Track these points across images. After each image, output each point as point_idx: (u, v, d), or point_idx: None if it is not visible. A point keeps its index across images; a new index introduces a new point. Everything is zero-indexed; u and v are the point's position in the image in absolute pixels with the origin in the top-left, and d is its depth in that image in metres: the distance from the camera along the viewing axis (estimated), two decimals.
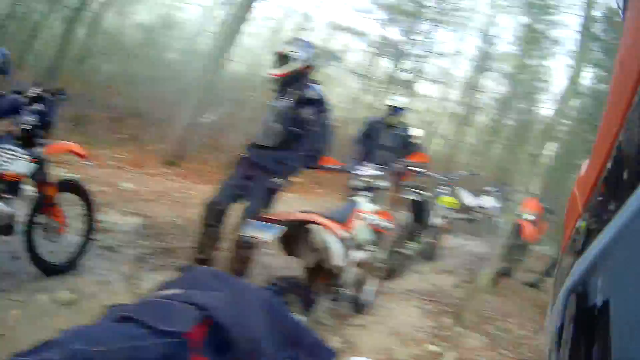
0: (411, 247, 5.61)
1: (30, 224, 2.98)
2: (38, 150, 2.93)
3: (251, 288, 0.65)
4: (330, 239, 2.89)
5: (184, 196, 6.06)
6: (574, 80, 5.36)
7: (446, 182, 6.33)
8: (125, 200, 5.03)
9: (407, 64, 15.89)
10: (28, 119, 2.88)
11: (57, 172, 3.07)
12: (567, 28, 14.63)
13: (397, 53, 15.22)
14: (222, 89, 9.60)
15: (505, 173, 14.34)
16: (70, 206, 3.25)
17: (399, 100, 5.73)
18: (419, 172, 4.96)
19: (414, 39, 15.42)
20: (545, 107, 16.15)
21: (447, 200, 6.41)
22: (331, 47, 15.16)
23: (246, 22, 8.70)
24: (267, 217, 2.91)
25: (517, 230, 6.03)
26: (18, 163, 2.79)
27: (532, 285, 6.44)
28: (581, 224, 0.99)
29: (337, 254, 2.93)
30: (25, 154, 2.83)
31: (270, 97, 3.80)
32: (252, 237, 2.78)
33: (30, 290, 2.83)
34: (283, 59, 3.54)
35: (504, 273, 6.00)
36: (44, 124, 2.96)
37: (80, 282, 3.11)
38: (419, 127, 6.88)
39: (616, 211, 0.59)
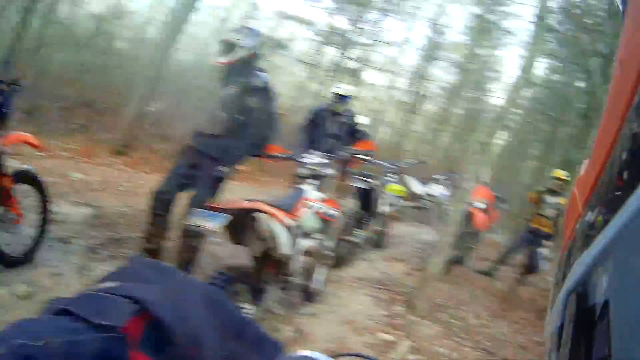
0: (359, 235, 5.65)
1: None
2: None
3: (193, 282, 0.69)
4: (277, 227, 2.91)
5: (133, 186, 5.98)
6: (526, 70, 5.50)
7: (393, 170, 6.36)
8: (76, 191, 4.94)
9: (355, 52, 15.94)
10: None
11: (10, 163, 3.00)
12: (520, 19, 14.93)
13: (344, 41, 15.25)
14: (170, 78, 9.46)
15: (454, 161, 14.64)
16: (24, 197, 3.18)
17: (345, 88, 5.77)
18: (365, 159, 5.01)
19: (361, 28, 15.47)
20: (497, 97, 16.45)
21: (395, 188, 6.41)
22: (278, 36, 15.06)
23: (194, 10, 8.58)
24: (214, 205, 2.90)
25: (468, 218, 6.14)
26: None
27: (486, 273, 6.52)
28: (581, 224, 1.00)
29: (283, 243, 2.95)
30: None
31: (217, 86, 3.78)
32: (198, 226, 2.77)
33: None
34: (229, 47, 3.52)
35: (456, 261, 6.09)
36: (0, 116, 2.88)
37: (36, 275, 3.07)
38: (365, 115, 6.95)
39: (616, 211, 0.59)
